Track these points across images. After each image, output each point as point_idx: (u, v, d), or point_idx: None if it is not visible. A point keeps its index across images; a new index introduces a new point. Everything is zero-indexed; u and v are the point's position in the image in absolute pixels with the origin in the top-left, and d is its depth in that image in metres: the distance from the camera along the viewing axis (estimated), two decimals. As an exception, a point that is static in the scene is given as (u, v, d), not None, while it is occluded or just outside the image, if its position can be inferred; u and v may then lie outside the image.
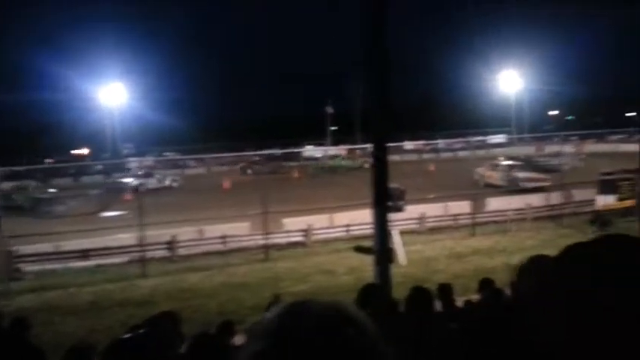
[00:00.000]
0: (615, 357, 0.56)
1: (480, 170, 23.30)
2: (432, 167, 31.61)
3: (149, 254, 12.88)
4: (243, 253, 13.60)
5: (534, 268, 1.59)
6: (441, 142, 44.84)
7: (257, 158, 36.19)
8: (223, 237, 13.97)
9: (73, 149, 54.65)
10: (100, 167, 36.71)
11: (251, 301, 9.84)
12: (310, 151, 42.13)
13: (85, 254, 12.99)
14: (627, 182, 14.97)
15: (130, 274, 12.12)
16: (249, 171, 33.45)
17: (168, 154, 44.52)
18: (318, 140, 52.22)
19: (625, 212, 14.58)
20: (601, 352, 0.56)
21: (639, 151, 13.63)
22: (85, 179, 32.25)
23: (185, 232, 13.97)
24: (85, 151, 55.05)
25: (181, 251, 13.61)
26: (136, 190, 20.26)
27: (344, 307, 0.61)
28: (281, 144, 43.88)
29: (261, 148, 39.57)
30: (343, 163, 35.64)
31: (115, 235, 13.72)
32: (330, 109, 54.69)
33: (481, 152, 34.47)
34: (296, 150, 38.70)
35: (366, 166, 23.30)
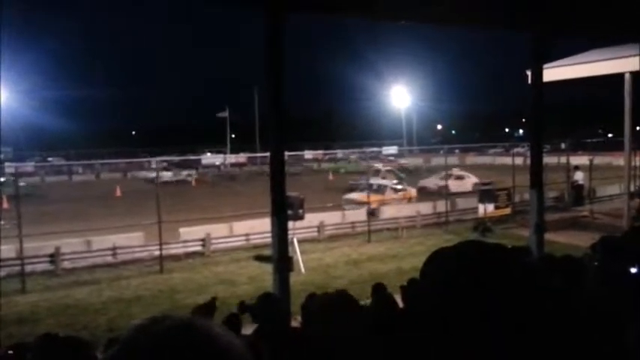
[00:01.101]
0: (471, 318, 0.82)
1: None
2: (330, 176, 32.40)
3: (29, 268, 11.80)
4: (137, 265, 12.93)
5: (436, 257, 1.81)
6: (339, 152, 46.07)
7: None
8: (114, 248, 13.19)
9: None
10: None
11: (144, 316, 9.36)
12: (209, 158, 41.27)
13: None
14: (504, 192, 16.50)
15: (7, 289, 10.99)
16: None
17: (52, 159, 41.17)
18: (218, 148, 51.26)
19: (502, 219, 16.07)
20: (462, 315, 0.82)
21: (512, 163, 15.16)
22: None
23: (70, 244, 12.99)
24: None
25: (66, 264, 12.62)
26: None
27: (193, 322, 0.65)
28: (179, 151, 42.53)
29: (155, 155, 38.03)
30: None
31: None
32: (225, 114, 53.62)
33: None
34: (193, 157, 37.68)
35: None
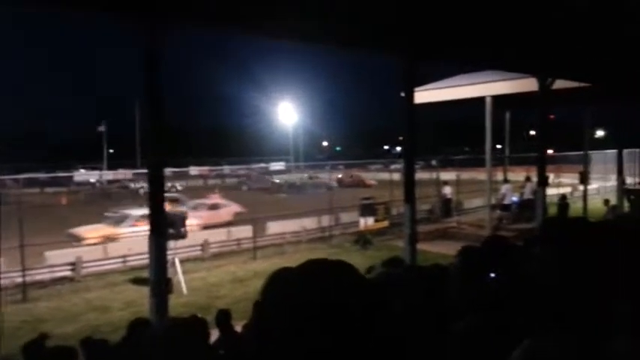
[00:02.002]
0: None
1: None
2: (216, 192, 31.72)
3: None
4: (-6, 295, 11.54)
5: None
6: (226, 169, 45.48)
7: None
8: (-34, 277, 11.67)
9: None
10: None
11: (4, 350, 8.41)
12: (83, 175, 38.33)
13: None
14: (383, 206, 17.39)
15: None
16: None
17: None
18: (93, 164, 47.89)
19: (381, 232, 16.90)
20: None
21: (390, 179, 16.09)
22: None
23: None
24: None
25: None
26: None
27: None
28: (48, 167, 39.00)
29: (20, 171, 34.50)
30: None
31: None
32: (102, 129, 50.53)
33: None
34: (64, 174, 34.73)
35: None
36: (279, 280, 0.91)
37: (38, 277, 12.26)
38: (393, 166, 28.47)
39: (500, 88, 15.32)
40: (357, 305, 0.86)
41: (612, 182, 19.36)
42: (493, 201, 17.64)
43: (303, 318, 0.83)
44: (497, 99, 15.75)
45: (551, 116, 22.86)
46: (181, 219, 11.71)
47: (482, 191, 18.99)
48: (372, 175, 38.38)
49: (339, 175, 38.68)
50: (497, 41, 9.51)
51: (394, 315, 1.33)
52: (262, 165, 47.29)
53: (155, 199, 6.53)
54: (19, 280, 11.74)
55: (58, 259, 12.98)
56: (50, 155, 49.78)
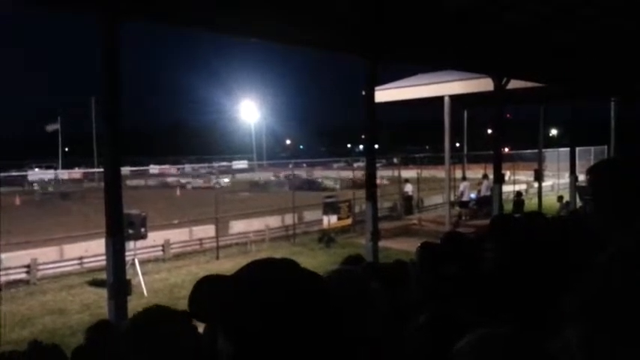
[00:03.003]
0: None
1: None
2: (177, 192, 31.25)
3: None
4: (-57, 300, 11.04)
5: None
6: (187, 167, 44.78)
7: None
8: None
9: None
10: None
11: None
12: (38, 174, 37.02)
13: None
14: (345, 204, 17.53)
15: None
16: None
17: None
18: (48, 162, 46.27)
19: (345, 230, 17.05)
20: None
21: (353, 177, 16.25)
22: None
23: None
24: None
25: None
26: None
27: None
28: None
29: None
30: None
31: None
32: (55, 126, 48.56)
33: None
34: (17, 173, 33.47)
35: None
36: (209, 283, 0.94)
37: (-9, 281, 11.80)
38: (356, 165, 28.70)
39: (458, 87, 15.70)
40: (305, 302, 0.89)
41: (566, 179, 20.12)
42: (452, 198, 18.07)
43: (260, 317, 0.86)
44: (456, 98, 16.14)
45: (508, 115, 23.59)
46: (141, 219, 11.49)
47: (442, 189, 19.42)
48: (335, 174, 38.53)
49: (351, 175, 35.62)
50: (455, 42, 9.77)
51: (349, 311, 1.37)
52: (224, 163, 46.86)
53: (112, 198, 6.38)
54: (-30, 284, 11.28)
55: (12, 261, 12.50)
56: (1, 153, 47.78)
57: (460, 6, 8.67)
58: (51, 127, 47.93)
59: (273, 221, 17.89)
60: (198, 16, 7.28)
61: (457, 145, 24.66)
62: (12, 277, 12.25)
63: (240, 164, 48.57)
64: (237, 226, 17.09)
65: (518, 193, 19.01)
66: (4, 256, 12.61)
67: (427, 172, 24.45)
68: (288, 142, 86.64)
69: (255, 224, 17.34)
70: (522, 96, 15.62)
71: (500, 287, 2.34)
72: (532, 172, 23.08)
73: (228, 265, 14.00)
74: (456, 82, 15.52)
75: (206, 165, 44.13)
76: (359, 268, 2.87)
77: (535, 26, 9.85)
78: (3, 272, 12.20)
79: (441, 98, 16.11)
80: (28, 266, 12.50)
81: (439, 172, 23.06)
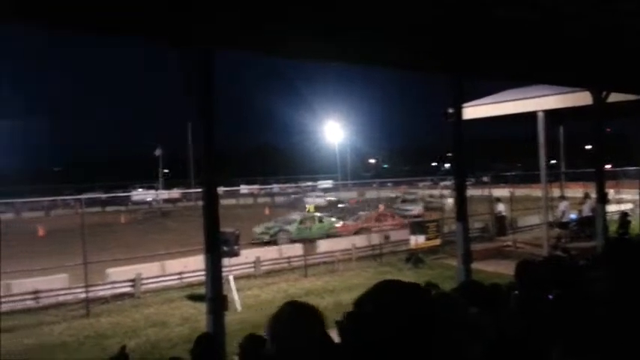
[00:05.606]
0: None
1: None
2: (267, 210, 32.22)
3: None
4: (60, 310, 12.16)
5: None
6: (275, 187, 46.17)
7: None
8: (35, 292, 12.38)
9: None
10: None
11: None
12: (140, 194, 39.92)
13: None
14: (434, 224, 17.15)
15: None
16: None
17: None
18: (150, 183, 49.78)
19: (433, 250, 16.65)
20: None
21: (440, 195, 15.91)
22: None
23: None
24: None
25: (-20, 311, 11.66)
26: None
27: None
28: (106, 187, 40.87)
29: (81, 192, 36.31)
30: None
31: None
32: (159, 152, 52.62)
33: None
34: (122, 194, 36.33)
35: None
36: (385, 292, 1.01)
37: (100, 294, 12.84)
38: (442, 183, 28.04)
39: (552, 102, 14.90)
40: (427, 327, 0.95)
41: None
42: (550, 218, 17.06)
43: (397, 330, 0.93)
44: (550, 113, 15.34)
45: (608, 129, 21.98)
46: (234, 237, 11.98)
47: (538, 208, 18.42)
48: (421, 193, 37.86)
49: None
50: (547, 55, 9.34)
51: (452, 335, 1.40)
52: (310, 183, 47.74)
53: (210, 217, 6.72)
54: (82, 296, 12.34)
55: (118, 275, 13.55)
56: (108, 176, 52.07)
57: (552, 17, 8.28)
58: (157, 152, 51.99)
59: (360, 240, 17.91)
60: (295, 46, 7.52)
61: (553, 162, 23.31)
62: (118, 291, 13.24)
63: (325, 184, 49.15)
64: (324, 245, 17.30)
65: (624, 214, 17.58)
66: (111, 270, 13.72)
67: (520, 191, 23.30)
68: (372, 161, 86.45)
69: (343, 243, 17.45)
70: (625, 109, 14.52)
71: (609, 323, 2.16)
72: (638, 191, 21.26)
73: (318, 283, 14.20)
74: (550, 96, 14.77)
75: (292, 185, 45.19)
76: (456, 293, 2.84)
77: (636, 35, 9.19)
78: (109, 286, 13.25)
79: (533, 114, 15.39)
80: (132, 280, 13.47)
81: (533, 191, 21.90)
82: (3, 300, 12.01)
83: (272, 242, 19.22)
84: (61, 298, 12.51)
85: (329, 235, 20.25)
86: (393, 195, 33.68)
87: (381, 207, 23.77)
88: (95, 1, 5.81)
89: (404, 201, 30.42)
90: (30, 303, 12.25)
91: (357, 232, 19.89)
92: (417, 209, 27.24)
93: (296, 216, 22.45)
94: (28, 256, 16.67)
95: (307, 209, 24.68)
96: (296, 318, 1.52)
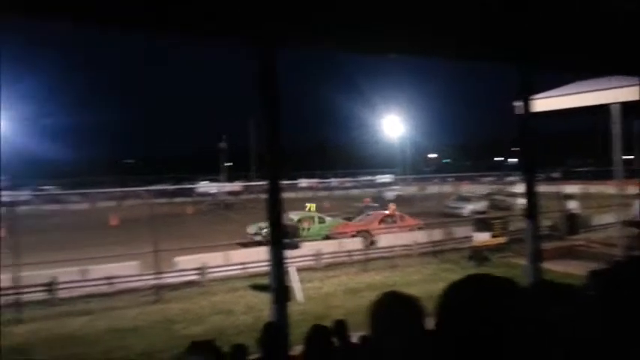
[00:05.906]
0: None
1: None
2: (327, 204, 32.44)
3: (25, 297, 11.73)
4: (132, 295, 12.86)
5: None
6: (333, 181, 46.39)
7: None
8: (109, 277, 13.14)
9: None
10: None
11: (140, 346, 9.34)
12: (205, 187, 41.36)
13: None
14: (499, 221, 16.62)
15: (3, 319, 10.89)
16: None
17: (47, 187, 41.03)
18: (213, 176, 51.51)
19: (498, 248, 16.14)
20: None
21: (507, 192, 15.41)
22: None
23: (66, 273, 12.92)
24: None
25: (62, 294, 12.54)
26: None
27: None
28: (174, 179, 42.61)
29: (151, 184, 38.08)
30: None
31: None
32: (223, 145, 54.36)
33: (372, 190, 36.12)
34: (189, 186, 37.77)
35: None
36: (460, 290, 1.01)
37: (169, 281, 13.43)
38: (508, 179, 27.10)
39: (628, 94, 13.96)
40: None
41: None
42: (625, 217, 16.08)
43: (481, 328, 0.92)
44: (625, 106, 14.40)
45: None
46: (294, 229, 12.18)
47: (612, 206, 17.42)
48: (485, 188, 36.82)
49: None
50: (621, 45, 8.76)
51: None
52: (369, 177, 47.58)
53: (273, 210, 6.86)
54: (152, 282, 12.96)
55: (186, 264, 14.13)
56: (175, 168, 54.24)
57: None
58: (221, 145, 53.85)
59: (421, 236, 17.68)
60: (341, 40, 7.52)
61: (627, 157, 21.94)
62: (185, 279, 13.82)
63: (385, 178, 48.79)
64: (385, 240, 17.21)
65: None
66: (179, 259, 14.33)
67: (593, 188, 22.14)
68: (432, 155, 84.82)
69: (403, 238, 17.29)
70: None
71: None
72: None
73: (378, 278, 14.16)
74: (625, 88, 13.85)
75: (351, 179, 45.21)
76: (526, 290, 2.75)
77: None
78: (178, 273, 13.85)
79: (606, 106, 14.52)
80: (199, 269, 14.00)
81: (607, 188, 20.74)
82: (81, 284, 12.87)
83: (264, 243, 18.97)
84: (132, 284, 13.21)
85: (327, 237, 19.00)
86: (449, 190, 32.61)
87: (392, 207, 21.97)
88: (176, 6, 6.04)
89: (460, 198, 28.89)
90: (104, 288, 13.02)
91: (354, 236, 18.32)
92: (469, 207, 25.95)
93: (293, 215, 21.47)
94: (101, 243, 17.72)
95: (307, 208, 22.72)
96: (396, 308, 1.54)
